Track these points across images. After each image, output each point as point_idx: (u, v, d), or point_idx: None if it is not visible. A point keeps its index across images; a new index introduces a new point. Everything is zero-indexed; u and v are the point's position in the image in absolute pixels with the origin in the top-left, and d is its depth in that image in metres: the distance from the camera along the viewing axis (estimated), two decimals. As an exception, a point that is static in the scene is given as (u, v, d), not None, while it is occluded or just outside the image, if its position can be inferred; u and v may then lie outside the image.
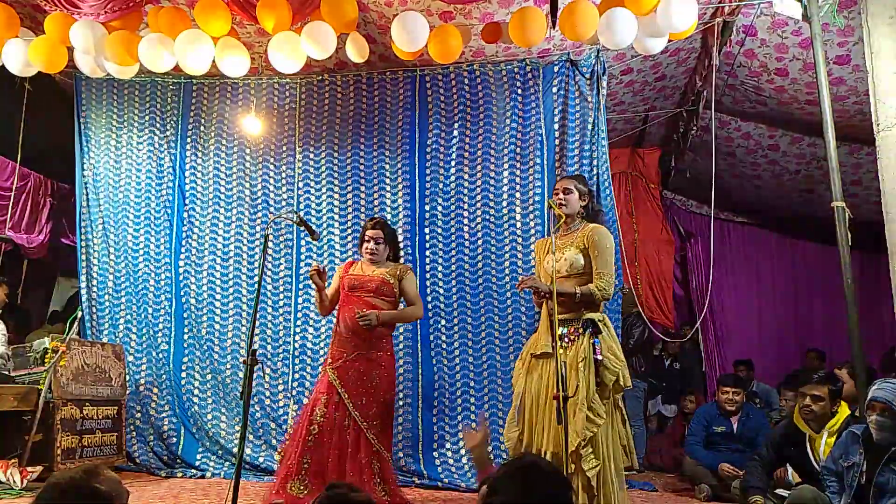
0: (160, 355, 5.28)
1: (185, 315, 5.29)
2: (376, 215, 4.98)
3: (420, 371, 4.95)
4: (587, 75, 4.91)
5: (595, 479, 2.94)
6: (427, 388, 4.92)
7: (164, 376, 5.24)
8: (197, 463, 4.98)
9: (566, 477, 1.56)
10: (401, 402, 4.89)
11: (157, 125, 5.56)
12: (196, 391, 5.19)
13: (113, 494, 1.50)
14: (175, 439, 5.11)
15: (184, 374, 5.22)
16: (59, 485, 1.49)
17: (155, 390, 5.25)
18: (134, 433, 5.17)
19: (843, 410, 3.58)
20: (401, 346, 4.97)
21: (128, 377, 5.17)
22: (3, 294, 5.54)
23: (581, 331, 3.08)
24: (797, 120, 5.66)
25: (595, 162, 4.85)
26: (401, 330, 4.98)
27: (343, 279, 3.82)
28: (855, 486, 2.98)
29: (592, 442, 2.96)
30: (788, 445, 3.73)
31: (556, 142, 4.95)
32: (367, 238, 3.82)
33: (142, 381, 5.28)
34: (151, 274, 5.39)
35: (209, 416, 5.13)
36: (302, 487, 3.49)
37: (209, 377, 5.20)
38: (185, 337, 5.27)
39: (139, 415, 5.22)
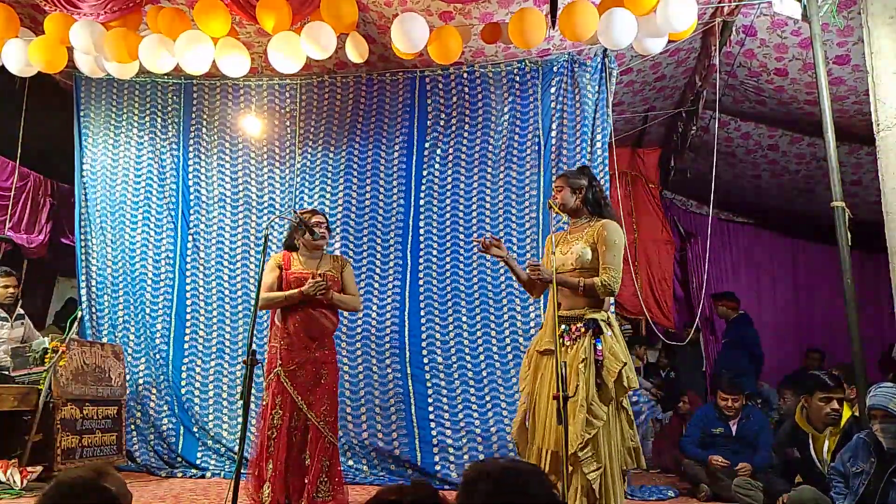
0: (157, 355, 5.27)
1: (188, 316, 5.29)
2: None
3: (409, 370, 4.91)
4: (593, 73, 4.90)
5: (596, 483, 2.90)
6: (420, 389, 4.87)
7: (162, 377, 5.24)
8: (198, 462, 4.98)
9: (532, 476, 1.44)
10: (391, 400, 4.90)
11: (158, 126, 5.56)
12: (197, 391, 5.18)
13: (120, 495, 1.50)
14: (174, 439, 5.11)
15: (184, 375, 5.20)
16: (68, 483, 1.48)
17: (153, 390, 5.24)
18: (134, 433, 5.17)
19: (846, 411, 3.60)
20: (388, 343, 4.99)
21: (127, 377, 5.16)
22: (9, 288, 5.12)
23: (583, 331, 3.06)
24: (797, 120, 5.66)
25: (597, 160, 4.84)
26: (390, 330, 5.00)
27: (289, 275, 3.74)
28: (861, 492, 2.99)
29: (593, 445, 2.93)
30: (792, 445, 3.74)
31: (553, 141, 4.94)
32: (314, 223, 3.69)
33: (140, 380, 5.28)
34: (149, 274, 5.38)
35: (211, 417, 5.12)
36: (268, 495, 3.49)
37: (211, 377, 5.19)
38: (186, 338, 5.26)
39: (140, 414, 5.22)
